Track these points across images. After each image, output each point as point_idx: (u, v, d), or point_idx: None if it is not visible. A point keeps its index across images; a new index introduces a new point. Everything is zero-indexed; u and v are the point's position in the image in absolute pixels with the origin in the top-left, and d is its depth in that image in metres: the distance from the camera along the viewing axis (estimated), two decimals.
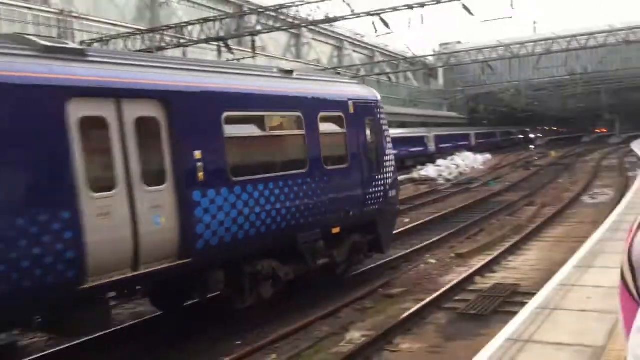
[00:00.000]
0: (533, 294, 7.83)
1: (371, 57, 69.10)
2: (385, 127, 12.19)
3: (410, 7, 23.98)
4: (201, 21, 29.98)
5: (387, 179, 11.91)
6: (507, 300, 9.80)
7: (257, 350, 8.25)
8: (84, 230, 6.45)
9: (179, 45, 30.52)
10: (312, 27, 51.85)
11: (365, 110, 11.51)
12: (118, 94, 7.07)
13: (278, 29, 30.51)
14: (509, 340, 5.46)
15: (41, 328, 7.54)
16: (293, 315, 9.92)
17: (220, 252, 8.18)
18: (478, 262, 12.93)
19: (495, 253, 13.53)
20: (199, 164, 7.83)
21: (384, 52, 71.20)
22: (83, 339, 8.89)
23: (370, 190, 11.39)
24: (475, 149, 55.70)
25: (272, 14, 28.88)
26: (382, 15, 24.70)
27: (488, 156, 53.25)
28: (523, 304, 7.46)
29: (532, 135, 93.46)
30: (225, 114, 8.38)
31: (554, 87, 66.27)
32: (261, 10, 30.03)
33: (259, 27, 29.07)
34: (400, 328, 8.76)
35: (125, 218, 6.93)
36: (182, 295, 9.56)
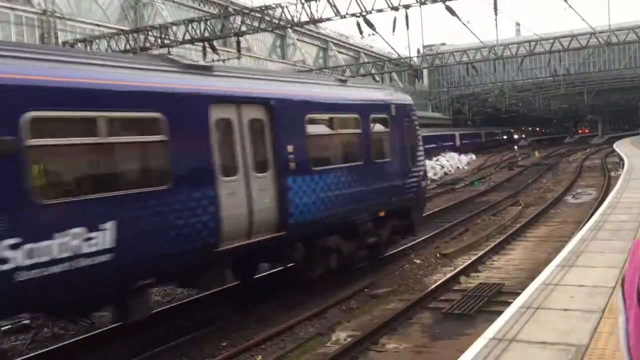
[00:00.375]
0: (517, 294, 7.88)
1: (356, 58, 69.26)
2: (417, 127, 14.22)
3: (395, 8, 24.05)
4: (186, 21, 29.83)
5: (419, 171, 13.99)
6: (492, 300, 9.86)
7: (243, 351, 8.23)
8: (220, 205, 8.33)
9: (163, 46, 30.33)
10: (297, 28, 51.79)
11: (402, 113, 13.42)
12: (238, 101, 9.07)
13: (263, 30, 30.43)
14: (494, 339, 5.50)
15: (182, 283, 9.76)
16: (279, 315, 9.91)
17: (303, 228, 10.11)
18: (463, 262, 13.01)
19: (480, 253, 13.62)
20: (291, 156, 9.80)
21: (369, 53, 71.40)
22: (68, 341, 8.83)
23: (408, 181, 13.34)
24: (460, 150, 56.03)
25: (257, 14, 28.79)
26: (367, 17, 24.74)
27: (472, 156, 53.60)
28: (507, 304, 7.51)
29: (516, 136, 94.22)
30: (307, 116, 10.41)
31: (537, 88, 66.95)
32: (246, 11, 29.94)
33: (244, 28, 28.97)
34: (386, 328, 8.78)
35: (243, 198, 8.86)
36: (255, 268, 11.66)
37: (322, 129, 11.13)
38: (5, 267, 5.91)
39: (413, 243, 15.06)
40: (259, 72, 12.07)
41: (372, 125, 12.26)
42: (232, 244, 8.60)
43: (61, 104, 6.70)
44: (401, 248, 14.44)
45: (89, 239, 6.69)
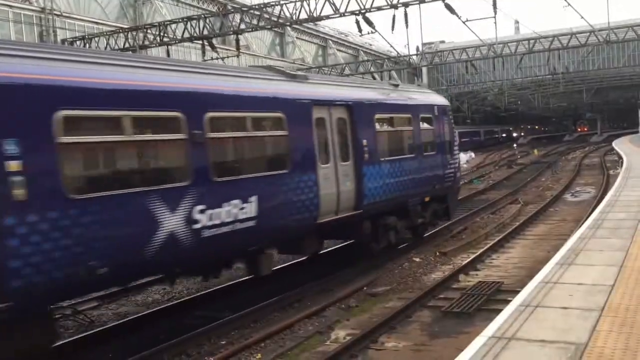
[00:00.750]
0: (516, 292, 7.89)
1: (356, 56, 69.21)
2: (453, 125, 16.46)
3: (394, 6, 24.03)
4: (185, 19, 29.79)
5: (455, 163, 16.31)
6: (491, 298, 9.87)
7: (242, 350, 8.23)
8: (319, 187, 10.60)
9: (162, 44, 30.30)
10: (297, 26, 51.79)
11: (442, 113, 15.63)
12: (329, 103, 11.29)
13: (262, 28, 30.41)
14: (493, 337, 5.50)
15: (288, 249, 12.02)
16: (278, 314, 9.92)
17: (372, 208, 12.24)
18: (462, 260, 13.03)
19: (479, 251, 13.63)
20: (365, 148, 11.99)
21: (369, 51, 71.35)
22: (67, 340, 8.83)
23: (447, 171, 15.54)
24: (459, 148, 56.01)
25: (256, 12, 28.76)
26: (366, 15, 24.71)
27: (472, 154, 53.60)
28: (506, 302, 7.52)
29: (515, 134, 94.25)
30: (376, 116, 12.63)
31: (536, 86, 66.88)
32: (245, 8, 29.91)
33: (243, 26, 28.94)
34: (385, 326, 8.78)
35: (333, 182, 11.11)
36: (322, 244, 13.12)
37: (385, 127, 13.36)
38: (197, 225, 8.12)
39: (412, 241, 15.08)
40: (340, 80, 14.60)
41: (421, 123, 14.56)
42: (326, 218, 10.94)
43: (228, 106, 9.19)
44: (399, 247, 14.45)
45: (242, 208, 8.93)
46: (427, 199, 14.57)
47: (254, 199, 9.09)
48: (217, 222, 8.41)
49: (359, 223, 12.14)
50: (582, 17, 26.26)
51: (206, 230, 8.23)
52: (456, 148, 16.54)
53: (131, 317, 10.01)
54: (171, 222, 7.75)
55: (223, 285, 11.57)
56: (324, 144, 11.01)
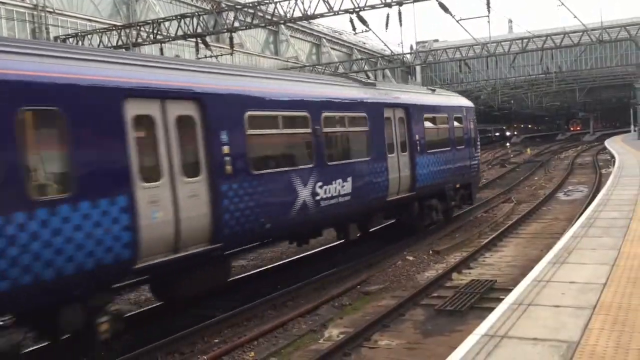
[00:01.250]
0: (509, 290, 7.91)
1: (349, 55, 69.19)
2: (475, 123, 19.46)
3: (388, 4, 24.04)
4: (178, 17, 29.68)
5: (478, 157, 19.47)
6: (484, 297, 9.90)
7: (235, 348, 8.23)
8: (388, 172, 13.50)
9: (155, 41, 30.19)
10: (290, 24, 51.68)
11: (469, 113, 18.80)
12: (393, 105, 14.31)
13: (256, 26, 30.35)
14: (486, 335, 5.51)
15: (361, 222, 14.10)
16: (271, 312, 9.92)
17: (422, 191, 15.10)
18: (455, 259, 13.06)
19: (472, 250, 13.68)
20: (417, 142, 14.91)
21: (363, 49, 71.36)
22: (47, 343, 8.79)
23: (472, 162, 18.64)
24: None
25: (250, 10, 28.71)
26: (360, 13, 24.72)
27: None
28: (499, 300, 7.54)
29: (508, 133, 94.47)
30: (424, 115, 15.61)
31: (529, 85, 67.11)
32: (239, 6, 29.84)
33: (236, 24, 28.87)
34: (378, 325, 8.80)
35: (396, 168, 13.94)
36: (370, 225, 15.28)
37: (430, 124, 16.08)
38: (317, 197, 11.01)
39: (406, 239, 15.10)
40: (398, 87, 18.25)
41: (454, 122, 17.42)
42: (392, 197, 13.75)
43: (334, 109, 12.09)
44: (393, 245, 14.47)
45: (343, 186, 11.80)
46: (457, 185, 17.55)
47: (349, 179, 12.07)
48: (329, 195, 11.39)
49: (412, 203, 15.12)
50: (575, 17, 26.39)
51: (323, 201, 11.22)
52: (478, 143, 19.87)
53: (124, 316, 9.96)
54: (303, 193, 10.72)
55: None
56: (390, 137, 13.91)
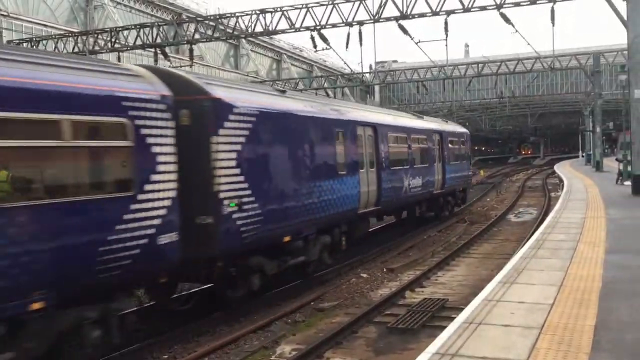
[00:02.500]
0: (460, 309, 8.02)
1: (310, 72, 69.62)
2: (470, 145, 28.19)
3: (349, 24, 24.35)
4: (137, 26, 29.35)
5: (470, 169, 27.84)
6: (436, 315, 10.00)
7: None
8: (435, 175, 20.83)
9: (113, 50, 29.73)
10: (251, 39, 51.70)
11: (468, 138, 26.98)
12: (436, 132, 21.84)
13: (217, 39, 30.25)
14: (437, 354, 5.57)
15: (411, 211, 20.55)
16: (223, 327, 9.78)
17: (446, 189, 22.09)
18: (408, 277, 13.18)
19: (425, 268, 13.83)
20: (445, 155, 22.16)
21: (323, 67, 71.91)
22: None
23: (468, 173, 26.84)
24: None
25: (212, 23, 28.62)
26: (321, 31, 24.94)
27: None
28: (451, 319, 7.63)
29: None
30: (449, 138, 22.94)
31: (484, 109, 68.80)
32: (200, 18, 29.71)
33: (197, 36, 28.72)
34: (331, 342, 8.77)
35: (435, 172, 20.68)
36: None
37: (450, 145, 23.00)
38: (409, 187, 17.72)
39: (361, 257, 15.17)
40: (431, 119, 23.97)
41: (461, 144, 25.43)
42: (435, 191, 20.75)
43: (415, 133, 19.01)
44: (347, 262, 14.51)
45: (418, 181, 18.45)
46: (460, 189, 25.18)
47: (420, 177, 18.65)
48: (413, 187, 17.92)
49: (438, 198, 21.80)
50: (528, 44, 27.26)
51: (410, 190, 17.82)
52: (471, 160, 28.90)
53: None
54: (405, 183, 17.41)
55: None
56: (439, 153, 21.53)
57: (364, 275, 13.47)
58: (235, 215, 9.39)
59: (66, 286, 6.61)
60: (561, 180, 32.64)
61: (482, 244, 17.63)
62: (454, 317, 7.05)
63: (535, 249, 10.78)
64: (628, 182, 22.51)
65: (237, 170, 9.56)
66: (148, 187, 7.63)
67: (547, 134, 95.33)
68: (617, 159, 33.63)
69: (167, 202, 7.89)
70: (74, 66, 7.08)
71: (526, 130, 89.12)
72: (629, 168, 22.49)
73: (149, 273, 8.00)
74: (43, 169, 6.65)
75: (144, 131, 7.59)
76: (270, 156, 10.55)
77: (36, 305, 6.25)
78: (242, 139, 9.72)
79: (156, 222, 7.67)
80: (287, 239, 10.98)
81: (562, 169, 45.19)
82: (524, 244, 12.54)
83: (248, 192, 9.71)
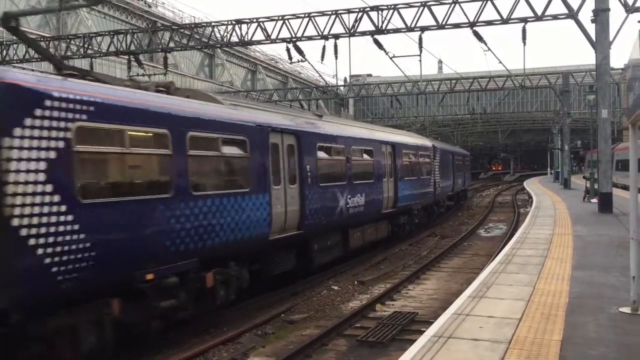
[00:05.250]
0: (430, 323, 8.07)
1: (285, 83, 69.73)
2: (468, 163, 44.14)
3: (325, 37, 24.49)
4: (111, 33, 29.07)
5: (466, 179, 40.67)
6: (406, 328, 10.04)
7: None
8: (435, 185, 25.68)
9: (85, 56, 29.39)
10: (227, 49, 51.60)
11: (468, 158, 44.12)
12: (449, 152, 32.72)
13: (192, 48, 30.16)
14: None
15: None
16: (191, 339, 9.66)
17: (457, 191, 35.51)
18: (379, 290, 13.21)
19: (396, 281, 13.88)
20: (454, 170, 32.76)
21: (298, 78, 72.08)
22: None
23: (465, 181, 39.31)
24: None
25: (187, 32, 28.52)
26: (297, 43, 25.04)
27: None
28: (420, 332, 7.67)
29: None
30: (455, 157, 34.10)
31: (456, 124, 69.62)
32: (175, 27, 29.58)
33: (172, 44, 28.56)
34: (301, 354, 8.73)
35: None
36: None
37: (458, 162, 33.73)
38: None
39: (332, 269, 15.15)
40: (448, 145, 35.29)
41: (465, 162, 38.83)
42: (441, 197, 27.85)
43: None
44: (318, 275, 14.47)
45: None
46: (462, 190, 36.70)
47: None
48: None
49: (453, 196, 32.69)
50: (500, 62, 27.71)
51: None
52: (462, 175, 36.96)
53: None
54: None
55: None
56: (445, 167, 28.78)
57: (335, 288, 13.45)
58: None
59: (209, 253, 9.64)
60: (530, 197, 33.17)
61: (452, 258, 17.78)
62: (424, 331, 7.09)
63: (504, 264, 10.91)
64: (595, 200, 22.97)
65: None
66: None
67: (517, 151, 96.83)
68: (584, 177, 34.34)
69: None
70: None
71: (497, 147, 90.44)
72: (596, 186, 22.96)
73: None
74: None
75: None
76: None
77: (150, 276, 8.34)
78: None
79: None
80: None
81: (532, 185, 45.94)
82: (493, 259, 12.69)
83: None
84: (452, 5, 22.45)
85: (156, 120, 8.55)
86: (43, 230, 6.76)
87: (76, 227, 7.13)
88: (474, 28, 22.55)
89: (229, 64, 60.40)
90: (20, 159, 6.61)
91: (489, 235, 23.63)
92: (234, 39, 26.75)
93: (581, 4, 20.58)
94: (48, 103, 6.99)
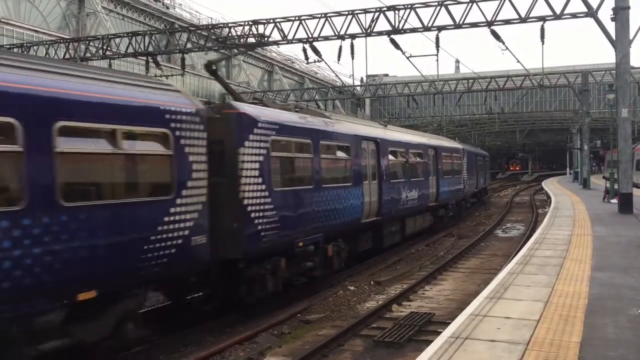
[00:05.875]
0: (447, 324, 8.03)
1: (301, 83, 69.79)
2: (488, 162, 45.32)
3: (341, 37, 24.48)
4: (130, 34, 29.33)
5: (488, 178, 45.68)
6: (422, 329, 10.00)
7: None
8: (464, 183, 29.12)
9: (104, 57, 29.68)
10: (243, 49, 51.72)
11: (488, 158, 45.04)
12: (475, 153, 36.07)
13: (209, 49, 30.30)
14: None
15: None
16: (209, 338, 9.72)
17: (480, 191, 38.41)
18: (395, 290, 13.17)
19: (413, 282, 13.83)
20: (474, 169, 33.86)
21: (314, 79, 72.12)
22: None
23: (486, 180, 41.79)
24: None
25: (204, 33, 28.68)
26: (314, 43, 25.05)
27: None
28: (437, 333, 7.64)
29: None
30: (478, 158, 36.69)
31: (473, 124, 69.17)
32: (193, 28, 29.76)
33: (189, 45, 28.74)
34: (317, 354, 8.74)
35: (469, 182, 30.83)
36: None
37: (479, 163, 35.80)
38: (462, 187, 28.01)
39: (348, 270, 15.14)
40: (471, 147, 37.05)
41: (485, 161, 40.41)
42: (462, 196, 28.37)
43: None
44: (334, 275, 14.48)
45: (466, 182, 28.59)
46: (484, 187, 39.66)
47: (462, 182, 27.14)
48: (469, 183, 27.99)
49: (476, 194, 34.71)
50: (518, 61, 27.49)
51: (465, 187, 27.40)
52: (484, 174, 39.80)
53: None
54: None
55: (154, 307, 11.23)
56: (471, 167, 31.19)
57: (351, 288, 13.44)
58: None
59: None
60: (549, 197, 32.85)
61: (469, 259, 17.67)
62: (441, 332, 7.06)
63: (522, 265, 10.82)
64: (615, 200, 22.70)
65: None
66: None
67: (536, 151, 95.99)
68: (604, 177, 33.94)
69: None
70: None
71: (515, 147, 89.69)
72: (616, 186, 22.67)
73: None
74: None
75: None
76: None
77: (301, 244, 11.76)
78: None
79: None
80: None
81: (550, 185, 45.51)
82: (511, 260, 12.59)
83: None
84: (470, 4, 22.31)
85: (305, 134, 12.47)
86: (257, 207, 10.29)
87: (271, 206, 10.72)
88: (492, 27, 22.38)
89: (245, 65, 60.60)
90: (246, 161, 10.15)
91: (507, 235, 23.44)
92: (251, 39, 26.83)
93: (601, 2, 20.33)
94: (260, 125, 10.67)
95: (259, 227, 10.28)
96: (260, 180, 10.37)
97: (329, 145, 13.40)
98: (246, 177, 10.05)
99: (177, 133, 8.49)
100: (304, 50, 25.60)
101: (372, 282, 14.08)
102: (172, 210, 8.31)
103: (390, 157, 17.46)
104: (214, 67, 11.67)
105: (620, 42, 19.47)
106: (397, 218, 18.02)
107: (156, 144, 8.25)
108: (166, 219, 8.17)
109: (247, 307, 10.86)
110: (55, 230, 6.65)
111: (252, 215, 10.14)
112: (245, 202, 9.97)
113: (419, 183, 20.09)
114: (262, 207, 10.36)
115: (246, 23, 26.43)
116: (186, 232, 8.50)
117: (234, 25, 27.03)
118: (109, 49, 29.35)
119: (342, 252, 13.96)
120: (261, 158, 10.48)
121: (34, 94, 6.58)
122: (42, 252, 6.50)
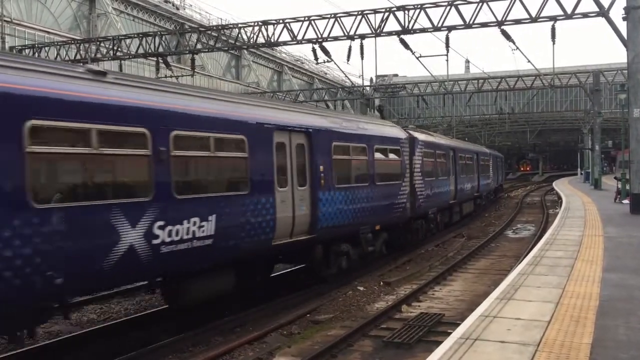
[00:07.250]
0: (457, 324, 7.99)
1: (310, 84, 69.85)
2: (501, 164, 48.68)
3: (350, 37, 24.48)
4: (140, 35, 29.48)
5: (500, 178, 47.73)
6: (432, 330, 9.96)
7: None
8: (479, 182, 32.63)
9: (115, 58, 29.85)
10: (253, 50, 51.89)
11: (502, 159, 48.22)
12: (489, 155, 39.57)
13: (219, 49, 30.41)
14: None
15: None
16: (218, 338, 9.74)
17: (492, 186, 39.82)
18: (405, 291, 13.13)
19: (422, 282, 13.79)
20: (491, 169, 38.15)
21: (324, 79, 72.16)
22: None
23: (500, 178, 46.47)
24: None
25: (214, 33, 28.77)
26: (323, 44, 25.07)
27: None
28: (447, 334, 7.60)
29: None
30: (489, 159, 38.28)
31: (483, 124, 68.99)
32: (202, 29, 29.86)
33: (199, 46, 28.85)
34: (327, 355, 8.72)
35: (495, 177, 40.32)
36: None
37: (491, 164, 37.99)
38: (490, 182, 37.17)
39: (357, 270, 15.14)
40: (479, 147, 38.70)
41: (499, 162, 44.65)
42: (491, 189, 37.78)
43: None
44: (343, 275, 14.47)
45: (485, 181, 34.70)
46: (500, 184, 45.75)
47: (490, 179, 36.76)
48: (493, 179, 38.05)
49: (494, 190, 39.27)
50: (529, 61, 27.40)
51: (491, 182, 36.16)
52: (499, 173, 43.73)
53: (63, 337, 9.63)
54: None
55: (162, 308, 11.28)
56: (493, 167, 38.90)
57: (361, 288, 13.42)
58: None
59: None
60: (559, 198, 32.66)
61: (479, 260, 17.59)
62: (450, 333, 7.03)
63: (532, 266, 10.76)
64: (626, 201, 22.53)
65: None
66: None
67: (546, 151, 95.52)
68: (615, 177, 33.70)
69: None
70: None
71: (525, 147, 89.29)
72: (628, 186, 22.51)
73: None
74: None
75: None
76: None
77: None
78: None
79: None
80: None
81: (561, 186, 45.25)
82: (522, 261, 12.52)
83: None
84: (480, 4, 22.24)
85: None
86: (419, 189, 18.65)
87: (422, 187, 19.12)
88: (502, 27, 22.30)
89: (255, 65, 60.75)
90: (410, 163, 17.64)
91: (517, 236, 23.33)
92: (260, 40, 26.90)
93: (612, 1, 20.21)
94: (419, 143, 18.96)
95: (420, 200, 18.45)
96: (420, 174, 18.69)
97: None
98: (414, 172, 18.11)
99: (402, 148, 16.82)
100: (314, 50, 25.64)
101: (381, 283, 14.05)
102: (401, 190, 16.53)
103: (460, 161, 25.66)
104: (381, 109, 19.24)
105: (632, 42, 19.32)
106: (460, 203, 25.80)
107: (395, 155, 16.45)
108: (399, 193, 16.36)
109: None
110: (374, 196, 14.97)
111: (417, 193, 18.18)
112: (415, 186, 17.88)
113: (470, 178, 28.29)
114: (420, 189, 18.45)
115: (256, 24, 26.49)
116: (404, 200, 16.75)
117: (244, 25, 27.11)
118: (119, 49, 29.52)
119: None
120: (420, 161, 18.78)
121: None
122: (373, 206, 14.92)
